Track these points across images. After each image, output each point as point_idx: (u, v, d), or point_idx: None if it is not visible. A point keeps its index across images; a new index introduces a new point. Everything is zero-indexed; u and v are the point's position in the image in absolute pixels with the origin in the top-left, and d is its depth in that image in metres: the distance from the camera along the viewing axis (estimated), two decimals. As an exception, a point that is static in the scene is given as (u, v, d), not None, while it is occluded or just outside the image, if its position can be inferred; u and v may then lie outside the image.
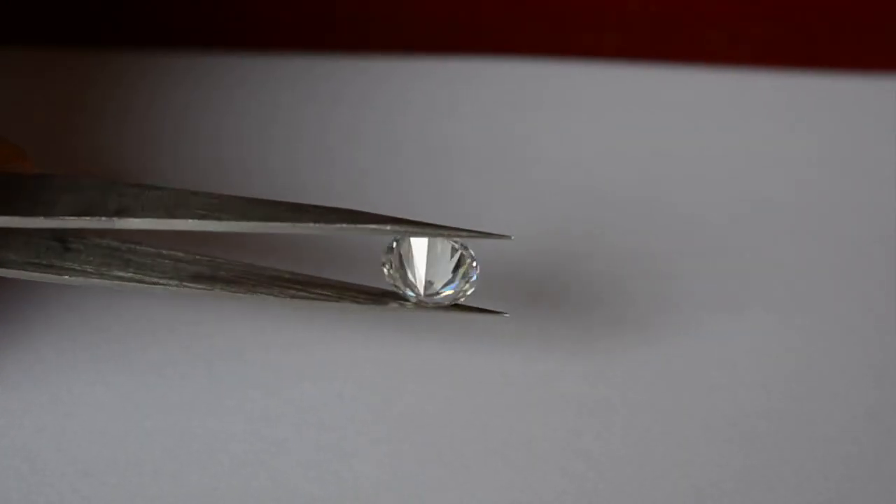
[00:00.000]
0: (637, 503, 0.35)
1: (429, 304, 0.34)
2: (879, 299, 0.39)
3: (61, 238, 0.35)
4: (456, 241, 0.34)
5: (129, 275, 0.34)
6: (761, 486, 0.36)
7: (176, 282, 0.34)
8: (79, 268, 0.34)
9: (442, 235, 0.33)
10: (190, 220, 0.33)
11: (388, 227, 0.33)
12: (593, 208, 0.41)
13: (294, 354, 0.37)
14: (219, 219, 0.33)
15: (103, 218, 0.33)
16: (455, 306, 0.34)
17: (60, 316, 0.38)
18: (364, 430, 0.36)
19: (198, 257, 0.35)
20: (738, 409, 0.37)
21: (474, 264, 0.34)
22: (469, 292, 0.34)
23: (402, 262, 0.34)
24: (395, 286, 0.34)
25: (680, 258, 0.40)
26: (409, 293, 0.34)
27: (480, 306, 0.34)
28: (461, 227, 0.33)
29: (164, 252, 0.35)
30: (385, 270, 0.34)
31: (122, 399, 0.37)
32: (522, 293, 0.39)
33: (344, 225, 0.33)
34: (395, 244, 0.34)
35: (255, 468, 0.36)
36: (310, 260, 0.39)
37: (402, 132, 0.42)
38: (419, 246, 0.34)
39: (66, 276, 0.34)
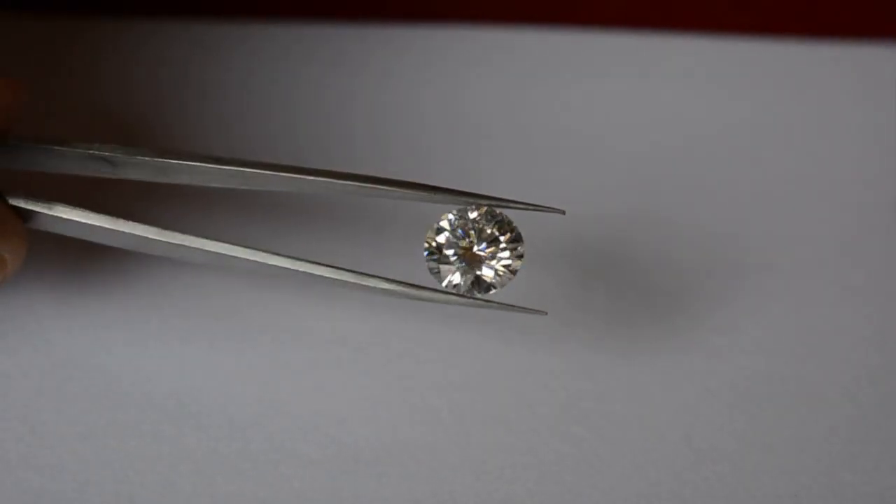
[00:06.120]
0: (636, 464, 0.35)
1: (466, 294, 0.33)
2: (881, 264, 0.39)
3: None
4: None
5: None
6: (761, 447, 0.36)
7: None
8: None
9: (495, 206, 0.33)
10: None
11: (438, 196, 0.33)
12: (598, 174, 0.41)
13: (292, 318, 0.37)
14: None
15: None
16: (491, 302, 0.33)
17: (61, 280, 0.38)
18: (362, 394, 0.36)
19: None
20: (739, 372, 0.37)
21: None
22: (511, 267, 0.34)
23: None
24: (436, 271, 0.34)
25: (680, 226, 0.40)
26: (451, 276, 0.33)
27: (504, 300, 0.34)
28: (513, 199, 0.33)
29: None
30: (428, 245, 0.34)
31: (120, 363, 0.37)
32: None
33: (399, 189, 0.33)
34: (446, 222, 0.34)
35: (253, 431, 0.36)
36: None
37: (400, 98, 0.42)
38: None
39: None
